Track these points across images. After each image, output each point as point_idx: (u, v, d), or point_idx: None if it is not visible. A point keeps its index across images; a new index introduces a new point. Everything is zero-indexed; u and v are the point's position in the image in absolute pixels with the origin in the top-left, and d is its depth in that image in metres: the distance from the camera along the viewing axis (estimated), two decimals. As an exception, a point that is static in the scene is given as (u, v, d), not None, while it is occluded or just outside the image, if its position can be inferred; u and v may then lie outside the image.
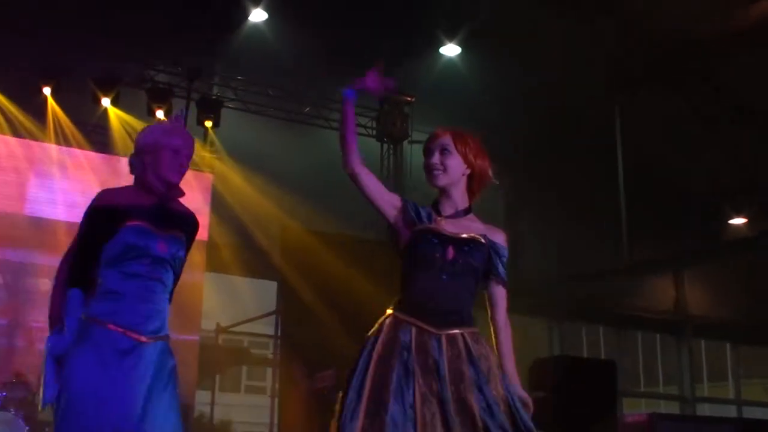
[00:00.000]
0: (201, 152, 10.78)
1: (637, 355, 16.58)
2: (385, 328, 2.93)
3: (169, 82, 10.66)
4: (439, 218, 3.03)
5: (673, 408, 14.94)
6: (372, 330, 2.97)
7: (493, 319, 3.18)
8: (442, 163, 3.04)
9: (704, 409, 14.84)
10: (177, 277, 3.30)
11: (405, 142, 12.03)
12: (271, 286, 11.51)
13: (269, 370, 14.51)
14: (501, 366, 3.01)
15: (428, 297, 2.93)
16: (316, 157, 11.58)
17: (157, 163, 3.22)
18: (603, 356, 14.90)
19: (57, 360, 3.05)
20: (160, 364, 3.14)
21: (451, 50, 12.16)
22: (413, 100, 11.80)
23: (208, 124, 10.72)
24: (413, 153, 12.03)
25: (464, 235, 3.01)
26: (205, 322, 10.84)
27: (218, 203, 10.57)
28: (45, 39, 9.71)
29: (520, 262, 13.31)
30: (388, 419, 2.73)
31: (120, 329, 3.05)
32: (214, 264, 10.67)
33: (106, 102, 10.15)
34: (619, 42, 11.88)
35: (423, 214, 3.03)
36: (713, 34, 10.83)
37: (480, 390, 2.82)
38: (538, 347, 13.23)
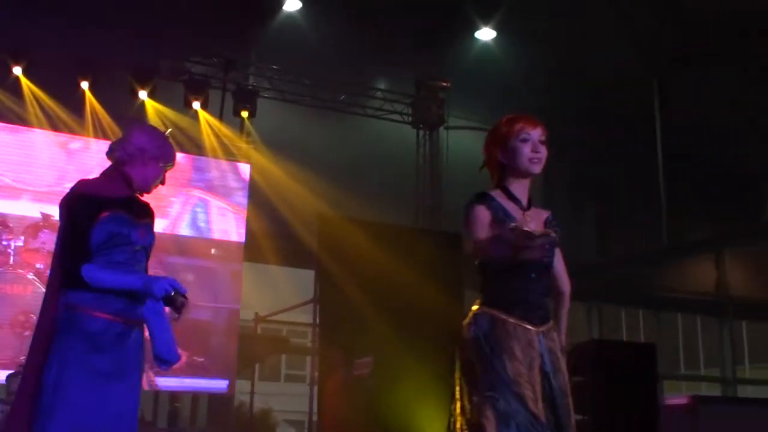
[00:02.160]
0: (238, 142, 10.85)
1: (677, 337, 16.43)
2: (492, 326, 2.99)
3: (205, 74, 10.74)
4: (526, 213, 3.09)
5: (714, 390, 14.81)
6: (468, 328, 3.04)
7: (562, 279, 3.28)
8: (542, 153, 3.13)
9: (746, 391, 14.67)
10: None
11: (441, 128, 12.00)
12: (309, 275, 11.56)
13: (308, 359, 14.62)
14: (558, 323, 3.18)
15: (525, 295, 3.01)
16: (352, 145, 11.62)
17: (148, 169, 3.36)
18: (642, 339, 14.79)
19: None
20: (142, 346, 3.30)
21: (486, 34, 12.12)
22: (449, 85, 11.76)
23: (245, 114, 10.78)
24: (449, 139, 12.00)
25: (550, 233, 3.05)
26: (243, 312, 10.92)
27: (255, 193, 10.63)
28: (82, 33, 9.83)
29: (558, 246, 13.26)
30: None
31: (109, 315, 3.16)
32: (252, 254, 10.74)
33: (143, 95, 10.26)
34: (656, 20, 11.75)
35: (501, 210, 3.06)
36: (749, 11, 10.66)
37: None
38: (577, 331, 13.16)
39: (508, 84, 12.22)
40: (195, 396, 10.84)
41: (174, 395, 10.49)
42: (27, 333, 8.39)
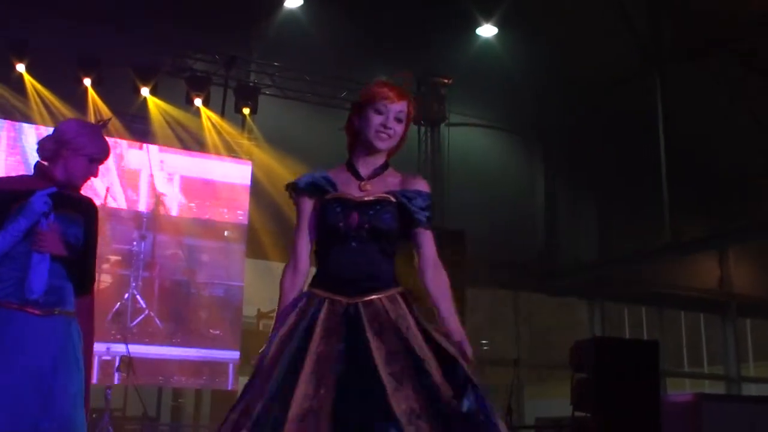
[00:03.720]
0: (239, 139, 10.85)
1: (680, 335, 16.40)
2: (299, 304, 2.86)
3: (207, 70, 10.74)
4: (364, 183, 2.93)
5: (718, 388, 14.78)
6: (283, 307, 2.91)
7: (419, 262, 3.01)
8: (394, 130, 2.92)
9: (750, 389, 14.66)
10: (79, 254, 3.33)
11: (442, 125, 11.99)
12: (310, 272, 11.55)
13: (311, 355, 14.61)
14: (439, 317, 2.89)
15: (341, 267, 2.86)
16: (354, 142, 11.60)
17: (71, 163, 3.31)
18: (645, 337, 14.76)
19: None
20: (61, 336, 3.23)
21: (487, 31, 12.11)
22: (450, 82, 11.75)
23: (246, 111, 10.79)
24: (450, 135, 11.99)
25: (369, 198, 2.90)
26: (246, 308, 10.93)
27: (257, 190, 10.63)
28: (84, 30, 9.84)
29: (560, 242, 13.24)
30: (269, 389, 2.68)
31: (15, 305, 3.15)
32: (255, 250, 10.74)
33: (145, 91, 10.27)
34: (659, 17, 11.73)
35: (324, 182, 2.96)
36: (752, 9, 10.64)
37: (408, 351, 2.69)
38: (579, 329, 13.17)
39: (510, 80, 12.22)
40: (198, 392, 10.86)
41: (177, 391, 10.51)
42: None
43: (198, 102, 10.54)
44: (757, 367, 16.34)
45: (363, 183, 2.93)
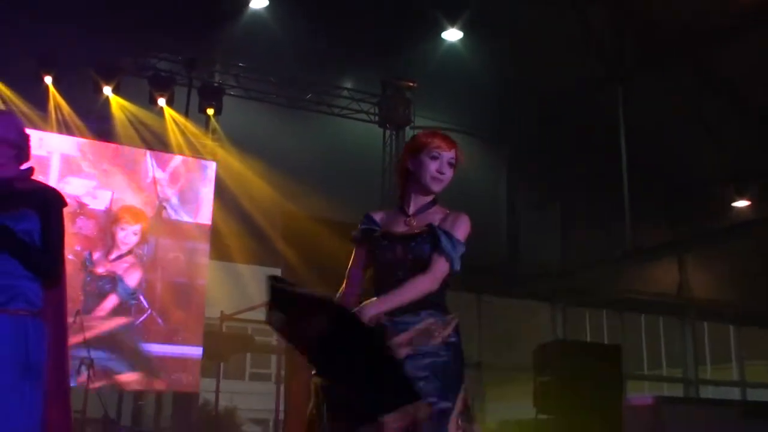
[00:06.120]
0: (203, 140, 10.77)
1: (640, 338, 16.60)
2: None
3: (170, 70, 10.64)
4: (410, 219, 3.24)
5: (676, 390, 14.98)
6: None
7: None
8: (447, 174, 3.25)
9: (708, 392, 14.88)
10: (38, 248, 3.28)
11: (407, 128, 12.01)
12: (275, 273, 11.49)
13: (274, 357, 14.54)
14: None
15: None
16: (318, 144, 11.59)
17: None
18: (606, 340, 14.92)
19: None
20: (7, 336, 3.15)
21: (453, 35, 12.17)
22: (415, 85, 11.77)
23: (210, 111, 10.71)
24: (415, 139, 12.01)
25: (411, 232, 3.20)
26: (209, 310, 10.84)
27: (221, 191, 10.56)
28: (46, 28, 9.69)
29: (522, 247, 13.32)
30: None
31: None
32: (219, 252, 10.66)
33: (107, 90, 10.15)
34: (621, 27, 11.88)
35: (377, 220, 3.30)
36: (710, 22, 10.84)
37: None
38: (542, 332, 13.25)
39: (475, 85, 12.29)
40: (159, 394, 10.74)
41: (138, 394, 10.39)
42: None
43: (161, 102, 10.44)
44: (714, 370, 16.59)
45: (409, 219, 3.24)
